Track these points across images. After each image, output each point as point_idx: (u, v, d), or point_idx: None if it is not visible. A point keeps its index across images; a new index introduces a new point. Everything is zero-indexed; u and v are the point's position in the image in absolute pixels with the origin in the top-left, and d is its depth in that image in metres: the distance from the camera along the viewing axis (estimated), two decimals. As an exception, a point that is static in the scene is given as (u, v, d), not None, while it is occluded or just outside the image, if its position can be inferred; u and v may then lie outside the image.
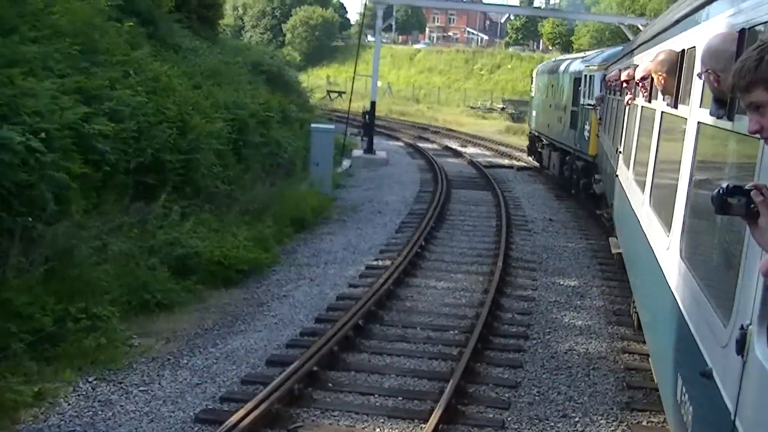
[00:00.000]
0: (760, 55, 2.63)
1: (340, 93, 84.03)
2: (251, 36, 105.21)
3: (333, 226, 19.56)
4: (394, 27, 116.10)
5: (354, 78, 35.02)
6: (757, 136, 2.82)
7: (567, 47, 74.97)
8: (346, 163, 31.65)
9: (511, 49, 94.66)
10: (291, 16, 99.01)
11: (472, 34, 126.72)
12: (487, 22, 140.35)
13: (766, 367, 3.07)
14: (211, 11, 28.26)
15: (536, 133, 33.41)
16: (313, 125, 24.53)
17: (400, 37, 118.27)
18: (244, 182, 18.50)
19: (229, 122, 18.21)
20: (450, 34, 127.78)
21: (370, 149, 32.72)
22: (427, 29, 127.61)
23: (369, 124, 32.87)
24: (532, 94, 37.10)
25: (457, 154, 36.95)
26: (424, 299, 13.05)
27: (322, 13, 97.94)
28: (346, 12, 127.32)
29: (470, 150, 40.51)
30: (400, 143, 42.18)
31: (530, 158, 34.47)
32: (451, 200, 23.29)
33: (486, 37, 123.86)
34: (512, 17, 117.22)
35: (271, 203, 18.75)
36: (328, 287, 13.74)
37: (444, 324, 11.82)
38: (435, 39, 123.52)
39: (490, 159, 36.03)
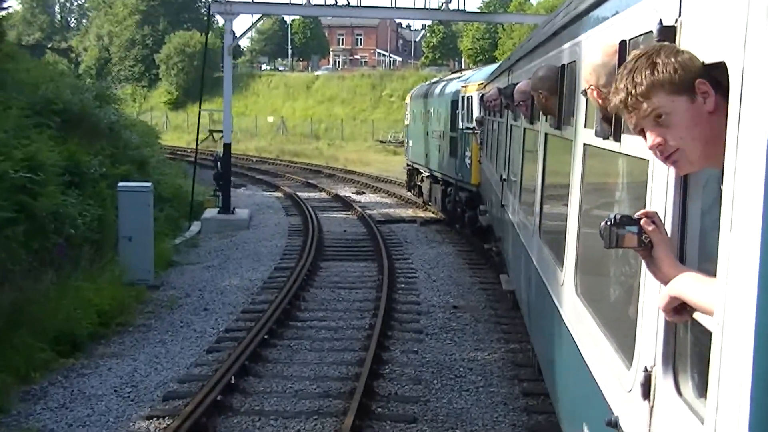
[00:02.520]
0: (650, 59, 2.73)
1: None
2: (119, 70, 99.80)
3: (126, 341, 14.52)
4: (290, 51, 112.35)
5: (200, 113, 29.61)
6: (647, 158, 3.38)
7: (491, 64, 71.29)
8: (195, 227, 26.50)
9: (426, 71, 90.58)
10: (165, 44, 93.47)
11: (383, 56, 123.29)
12: (400, 42, 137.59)
13: (675, 412, 3.06)
14: (-18, 34, 22.97)
15: (414, 165, 33.53)
16: (120, 184, 19.35)
17: (301, 63, 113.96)
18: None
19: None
20: (357, 57, 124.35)
21: (226, 208, 27.55)
22: (331, 53, 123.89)
23: (223, 174, 27.70)
24: (407, 122, 37.16)
25: (348, 206, 31.97)
26: None
27: (201, 39, 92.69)
28: (235, 37, 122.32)
29: (367, 198, 35.66)
30: (279, 194, 37.07)
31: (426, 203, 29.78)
32: (315, 284, 18.24)
33: (399, 59, 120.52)
34: (427, 34, 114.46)
35: (17, 314, 13.71)
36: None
37: None
38: (340, 63, 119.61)
39: (389, 210, 31.15)
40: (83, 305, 15.06)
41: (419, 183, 32.36)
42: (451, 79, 27.63)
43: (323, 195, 36.66)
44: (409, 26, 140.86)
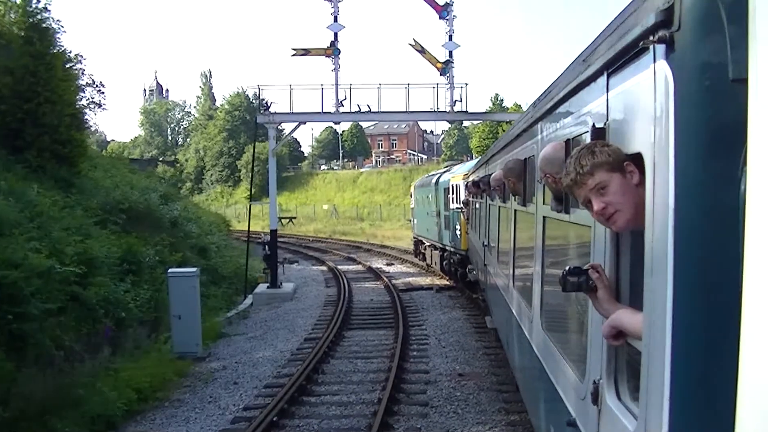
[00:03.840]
0: (590, 149, 2.85)
1: (291, 219, 76.84)
2: (212, 174, 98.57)
3: (157, 418, 12.03)
4: (341, 155, 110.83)
5: (250, 206, 27.14)
6: (590, 224, 3.44)
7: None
8: (249, 299, 23.90)
9: (445, 165, 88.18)
10: (244, 153, 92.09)
11: (413, 155, 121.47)
12: (425, 144, 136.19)
13: (616, 413, 3.08)
14: (68, 148, 20.76)
15: (419, 238, 33.65)
16: (170, 271, 16.85)
17: (350, 163, 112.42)
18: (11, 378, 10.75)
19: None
20: (393, 156, 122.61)
21: (273, 283, 24.91)
22: (373, 155, 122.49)
23: (271, 255, 25.13)
24: (412, 205, 37.10)
25: (378, 276, 29.12)
26: None
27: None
28: (300, 146, 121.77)
29: (395, 269, 32.82)
30: (324, 268, 34.36)
31: (445, 276, 26.91)
32: (336, 354, 15.41)
33: (425, 157, 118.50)
34: (446, 137, 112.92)
35: (59, 397, 11.24)
36: None
37: None
38: (381, 162, 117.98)
39: (411, 279, 28.24)
40: (121, 385, 12.52)
41: (423, 251, 32.42)
42: (443, 172, 28.51)
43: (359, 267, 33.87)
44: (432, 132, 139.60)
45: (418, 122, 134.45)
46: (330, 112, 25.38)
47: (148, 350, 15.31)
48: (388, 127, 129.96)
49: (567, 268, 3.00)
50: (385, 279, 27.40)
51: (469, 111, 26.34)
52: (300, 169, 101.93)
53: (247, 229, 26.86)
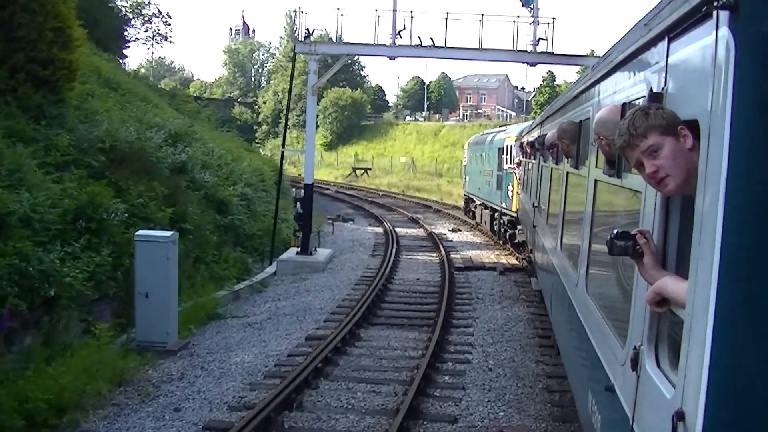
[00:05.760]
0: (645, 111, 2.79)
1: (366, 170, 72.56)
2: (288, 119, 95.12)
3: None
4: (426, 106, 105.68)
5: (283, 153, 22.69)
6: (641, 190, 3.35)
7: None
8: (270, 269, 19.68)
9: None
10: (323, 98, 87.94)
11: (501, 110, 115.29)
12: (515, 100, 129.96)
13: (655, 380, 3.04)
14: (50, 69, 16.66)
15: (470, 195, 33.24)
16: (137, 233, 12.71)
17: (436, 116, 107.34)
18: None
19: None
20: (481, 111, 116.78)
21: (305, 249, 20.54)
22: (460, 108, 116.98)
23: (303, 215, 20.74)
24: (465, 162, 36.30)
25: (436, 246, 24.42)
26: None
27: (351, 95, 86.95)
28: (384, 94, 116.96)
29: (460, 237, 27.97)
30: (380, 230, 29.82)
31: (514, 259, 21.97)
32: (334, 372, 10.81)
33: (513, 114, 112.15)
34: (536, 94, 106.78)
35: None
36: None
37: None
38: (467, 117, 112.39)
39: (473, 253, 23.37)
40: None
41: (473, 209, 32.20)
42: (498, 132, 27.49)
43: (419, 232, 29.17)
44: (523, 88, 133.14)
45: (509, 78, 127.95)
46: (384, 45, 20.60)
47: (85, 343, 11.20)
48: (478, 80, 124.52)
49: (615, 231, 2.99)
50: (443, 251, 22.70)
51: (556, 53, 21.08)
52: (381, 118, 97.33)
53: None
